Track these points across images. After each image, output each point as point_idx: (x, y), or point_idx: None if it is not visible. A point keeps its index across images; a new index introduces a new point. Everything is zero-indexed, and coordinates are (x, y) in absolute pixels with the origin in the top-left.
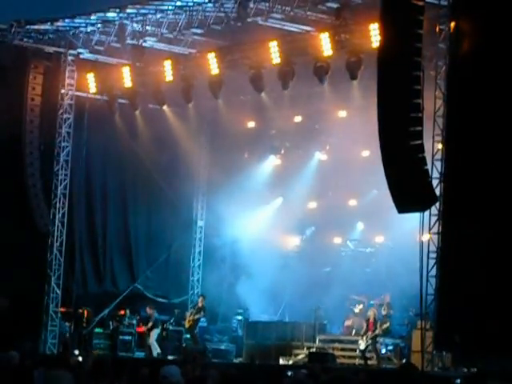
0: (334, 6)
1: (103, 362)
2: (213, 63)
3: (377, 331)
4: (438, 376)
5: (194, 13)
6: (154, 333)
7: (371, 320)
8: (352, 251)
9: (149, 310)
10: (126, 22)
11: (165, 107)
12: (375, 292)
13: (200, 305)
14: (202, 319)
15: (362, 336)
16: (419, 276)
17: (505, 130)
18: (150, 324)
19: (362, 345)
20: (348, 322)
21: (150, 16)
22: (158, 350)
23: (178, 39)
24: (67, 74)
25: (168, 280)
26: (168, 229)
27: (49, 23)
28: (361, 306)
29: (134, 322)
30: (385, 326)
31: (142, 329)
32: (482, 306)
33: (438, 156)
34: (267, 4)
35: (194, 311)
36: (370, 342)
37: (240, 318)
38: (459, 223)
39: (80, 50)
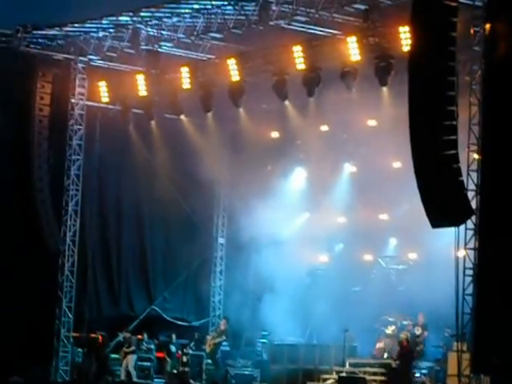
0: (362, 7)
1: None
2: (233, 69)
3: (414, 353)
4: None
5: (213, 16)
6: (133, 358)
7: (404, 343)
8: (383, 269)
9: (126, 335)
10: (139, 26)
11: (182, 117)
12: (408, 312)
13: (222, 328)
14: (223, 343)
15: (395, 360)
16: (455, 294)
17: None
18: (131, 348)
19: (394, 364)
20: (380, 344)
21: (165, 20)
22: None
23: (195, 44)
24: (77, 83)
25: (187, 301)
26: (187, 247)
27: (57, 28)
28: (393, 326)
29: (153, 346)
30: (419, 348)
31: (162, 354)
32: None
33: (474, 166)
34: (291, 6)
35: (215, 334)
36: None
37: (265, 341)
38: (497, 238)
39: (91, 57)
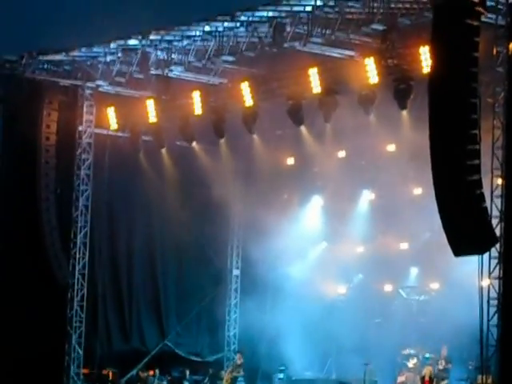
0: (380, 28)
1: None
2: (246, 94)
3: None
4: None
5: (225, 38)
6: None
7: (427, 378)
8: (404, 300)
9: (141, 374)
10: (149, 49)
11: (194, 144)
12: (431, 344)
13: (239, 362)
14: (239, 378)
15: None
16: (479, 325)
17: None
18: None
19: None
20: (401, 378)
21: (175, 43)
22: None
23: (207, 68)
24: (85, 109)
25: (201, 336)
26: (200, 279)
27: (63, 53)
28: (415, 360)
29: (165, 383)
30: (443, 383)
31: None
32: None
33: (498, 192)
34: (305, 27)
35: (231, 369)
36: None
37: (282, 375)
38: None
39: (99, 83)
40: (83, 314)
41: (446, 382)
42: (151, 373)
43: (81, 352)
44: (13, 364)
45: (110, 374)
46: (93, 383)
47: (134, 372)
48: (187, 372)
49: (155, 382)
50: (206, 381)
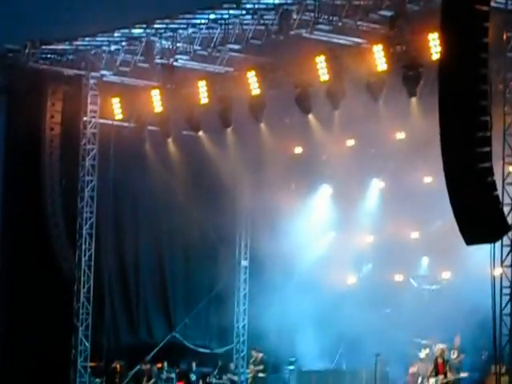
0: (388, 14)
1: None
2: (253, 82)
3: (448, 376)
4: None
5: (231, 26)
6: None
7: (440, 360)
8: (416, 289)
9: (145, 366)
10: (153, 38)
11: (200, 133)
12: (442, 334)
13: (258, 357)
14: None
15: (429, 378)
16: (492, 315)
17: None
18: (151, 381)
19: None
20: (413, 369)
21: (180, 31)
22: None
23: (213, 56)
24: (89, 100)
25: (210, 328)
26: (208, 270)
27: (67, 42)
28: (427, 350)
29: (173, 375)
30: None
31: (183, 383)
32: None
33: (510, 179)
34: (312, 14)
35: (252, 367)
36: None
37: (292, 367)
38: None
39: (103, 72)
40: (90, 307)
41: (464, 374)
42: (159, 365)
43: (88, 345)
44: (20, 357)
45: (118, 366)
46: (100, 376)
47: (140, 366)
48: (193, 364)
49: (163, 374)
50: (215, 373)
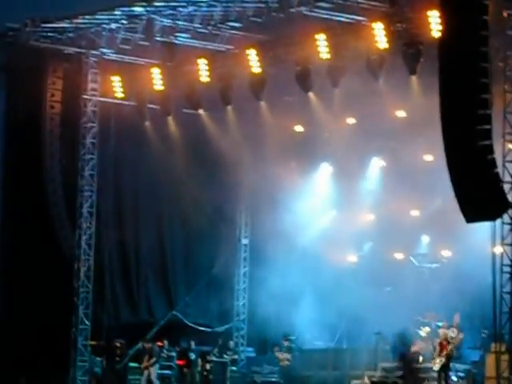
0: None
1: None
2: (253, 60)
3: (449, 349)
4: None
5: (231, 4)
6: (156, 369)
7: (444, 342)
8: (416, 267)
9: (146, 345)
10: (154, 16)
11: (200, 111)
12: (443, 312)
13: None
14: (249, 349)
15: (435, 358)
16: (492, 293)
17: None
18: (152, 359)
19: (437, 365)
20: (414, 348)
21: (180, 9)
22: None
23: (213, 34)
24: (90, 78)
25: (210, 306)
26: (208, 249)
27: (67, 20)
28: (427, 328)
29: (174, 354)
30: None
31: (183, 361)
32: None
33: (510, 157)
34: None
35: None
36: (444, 361)
37: (292, 345)
38: None
39: (103, 50)
40: (90, 286)
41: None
42: (160, 344)
43: (88, 324)
44: (20, 336)
45: (118, 345)
46: (101, 355)
47: (140, 344)
48: (193, 343)
49: (164, 353)
50: (215, 351)
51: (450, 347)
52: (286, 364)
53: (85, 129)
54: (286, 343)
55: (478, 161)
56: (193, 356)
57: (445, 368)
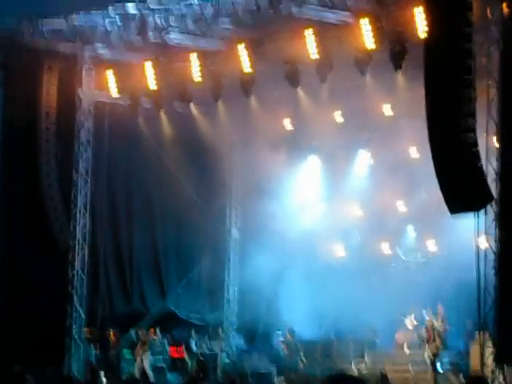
0: None
1: None
2: (243, 56)
3: (437, 342)
4: None
5: (221, 2)
6: (149, 357)
7: (430, 330)
8: (402, 260)
9: (142, 335)
10: (146, 13)
11: (192, 106)
12: (430, 305)
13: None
14: (240, 342)
15: (424, 345)
16: (476, 284)
17: None
18: (145, 347)
19: (427, 352)
20: (401, 339)
21: (172, 8)
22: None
23: (204, 33)
24: (84, 74)
25: (201, 296)
26: (199, 240)
27: (62, 18)
28: (412, 316)
29: (166, 342)
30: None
31: (175, 350)
32: None
33: (493, 151)
34: None
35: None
36: (434, 351)
37: (282, 338)
38: None
39: (97, 48)
40: (84, 276)
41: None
42: (152, 333)
43: (82, 313)
44: (16, 325)
45: (112, 334)
46: (94, 343)
47: (133, 332)
48: (193, 332)
49: (156, 342)
50: (205, 339)
51: (437, 339)
52: (289, 356)
53: (80, 124)
54: (289, 338)
55: (463, 154)
56: (193, 344)
57: (434, 358)
